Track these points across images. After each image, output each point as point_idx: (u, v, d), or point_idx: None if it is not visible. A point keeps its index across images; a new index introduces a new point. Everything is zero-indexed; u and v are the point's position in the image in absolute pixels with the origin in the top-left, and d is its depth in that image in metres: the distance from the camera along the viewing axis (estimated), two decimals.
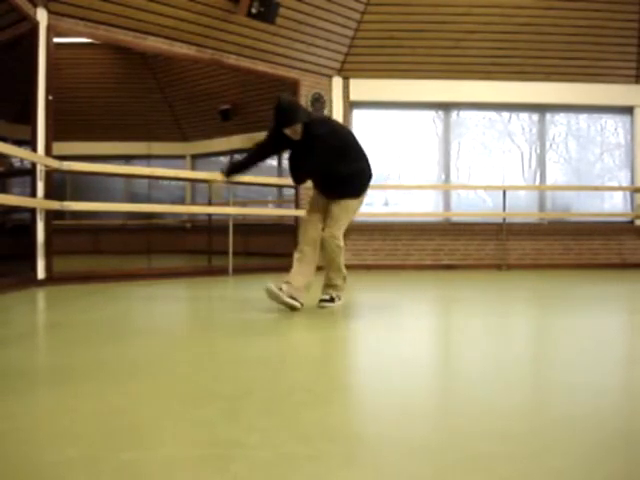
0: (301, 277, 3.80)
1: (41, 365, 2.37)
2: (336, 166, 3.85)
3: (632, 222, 8.26)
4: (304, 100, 7.56)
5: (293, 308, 3.70)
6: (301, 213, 7.48)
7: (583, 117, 8.50)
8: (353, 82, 7.89)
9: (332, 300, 4.00)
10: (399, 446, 1.40)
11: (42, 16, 5.37)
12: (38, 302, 4.55)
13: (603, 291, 5.42)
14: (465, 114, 8.37)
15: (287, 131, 3.72)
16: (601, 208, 8.49)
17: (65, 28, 5.59)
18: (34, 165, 5.29)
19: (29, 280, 5.21)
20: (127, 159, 11.15)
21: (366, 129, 8.17)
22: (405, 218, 7.99)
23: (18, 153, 5.03)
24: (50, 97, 5.42)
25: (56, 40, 5.55)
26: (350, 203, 3.96)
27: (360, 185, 4.00)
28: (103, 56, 10.06)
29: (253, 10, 6.24)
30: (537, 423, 1.59)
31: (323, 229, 3.92)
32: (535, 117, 8.40)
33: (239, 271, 6.71)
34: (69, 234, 8.44)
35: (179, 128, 11.41)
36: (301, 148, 3.78)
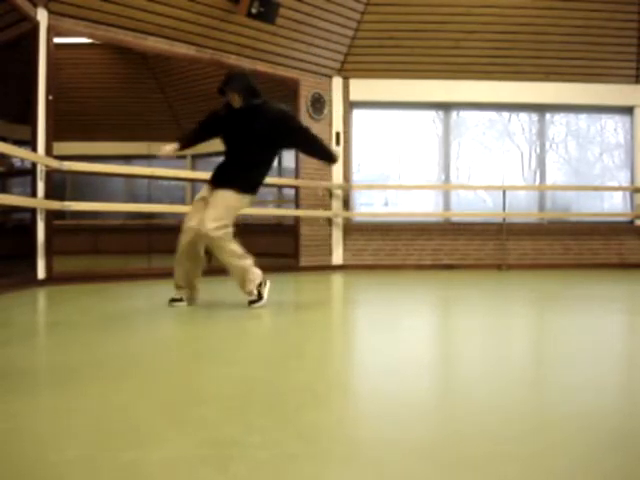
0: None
1: (41, 365, 2.37)
2: (250, 153, 3.89)
3: (632, 222, 8.26)
4: (304, 100, 7.56)
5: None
6: (301, 213, 7.49)
7: (583, 117, 8.51)
8: (353, 82, 7.90)
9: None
10: (399, 446, 1.41)
11: (42, 16, 5.37)
12: (38, 302, 4.55)
13: (603, 291, 5.42)
14: (465, 114, 8.37)
15: (227, 96, 3.82)
16: (601, 208, 8.49)
17: (65, 28, 5.59)
18: (34, 165, 5.29)
19: (29, 280, 5.21)
20: (127, 159, 11.15)
21: (366, 129, 8.18)
22: (405, 218, 7.99)
23: (18, 153, 5.03)
24: (50, 97, 5.42)
25: (56, 40, 5.54)
26: (232, 196, 3.84)
27: (253, 184, 3.94)
28: (103, 56, 10.07)
29: (253, 10, 6.24)
30: (537, 423, 1.60)
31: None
32: (535, 117, 8.40)
33: None
34: (69, 234, 8.44)
35: (179, 128, 11.41)
36: (237, 120, 3.86)
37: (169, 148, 3.96)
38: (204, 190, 4.01)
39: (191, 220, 3.89)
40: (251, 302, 3.85)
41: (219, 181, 3.92)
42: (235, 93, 3.80)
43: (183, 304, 3.99)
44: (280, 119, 3.91)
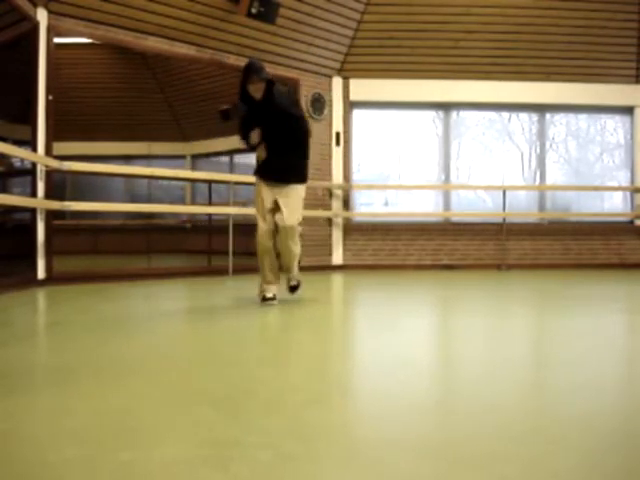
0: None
1: (41, 365, 2.37)
2: (289, 139, 4.00)
3: (632, 222, 8.26)
4: (304, 100, 7.56)
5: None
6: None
7: (583, 117, 8.51)
8: (353, 82, 7.90)
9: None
10: (399, 446, 1.41)
11: (42, 16, 5.37)
12: (38, 302, 4.55)
13: (603, 291, 5.42)
14: (465, 114, 8.37)
15: (250, 87, 3.87)
16: (601, 208, 8.49)
17: (65, 28, 5.59)
18: (34, 165, 5.29)
19: (29, 280, 5.21)
20: (127, 159, 11.15)
21: (366, 129, 8.17)
22: (405, 218, 7.99)
23: (18, 153, 5.03)
24: (50, 97, 5.42)
25: (56, 40, 5.55)
26: (302, 188, 4.14)
27: (307, 172, 4.23)
28: (103, 56, 10.06)
29: (253, 10, 6.24)
30: (537, 423, 1.60)
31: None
32: (535, 117, 8.40)
33: (239, 271, 6.71)
34: (69, 234, 8.43)
35: (179, 128, 11.41)
36: (261, 111, 3.93)
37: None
38: (264, 189, 4.05)
39: (265, 221, 4.02)
40: (293, 288, 4.20)
41: (282, 178, 4.04)
42: (264, 82, 3.87)
43: (275, 302, 4.06)
44: (290, 98, 4.11)
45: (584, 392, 1.89)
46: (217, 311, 3.94)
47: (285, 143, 4.00)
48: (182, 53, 6.57)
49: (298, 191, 4.07)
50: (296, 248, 4.06)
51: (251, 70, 3.86)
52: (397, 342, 2.85)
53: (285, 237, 3.96)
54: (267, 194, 4.02)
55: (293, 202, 4.01)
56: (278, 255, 4.09)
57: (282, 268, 4.17)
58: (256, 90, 3.87)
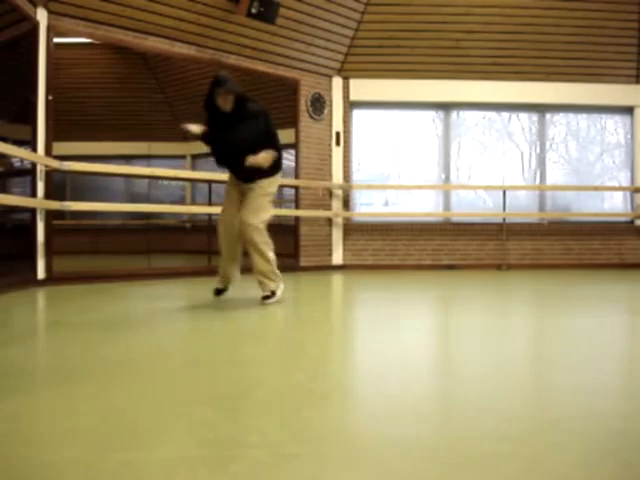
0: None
1: (41, 365, 2.37)
2: (261, 147, 4.00)
3: (632, 222, 8.26)
4: (304, 100, 7.56)
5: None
6: (301, 213, 7.49)
7: (583, 117, 8.51)
8: (353, 82, 7.90)
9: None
10: (399, 446, 1.40)
11: (42, 16, 5.37)
12: (38, 302, 4.55)
13: (603, 291, 5.42)
14: (465, 114, 8.37)
15: (219, 100, 3.95)
16: (601, 208, 8.49)
17: (65, 28, 5.59)
18: (34, 165, 5.29)
19: (29, 280, 5.21)
20: (127, 159, 11.15)
21: (366, 129, 8.18)
22: (405, 218, 7.99)
23: (18, 153, 5.02)
24: (50, 97, 5.42)
25: (56, 40, 5.55)
26: (267, 182, 4.13)
27: (276, 165, 4.16)
28: (103, 56, 10.06)
29: (253, 10, 6.24)
30: (537, 423, 1.60)
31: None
32: (535, 117, 8.40)
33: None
34: (69, 234, 8.43)
35: (179, 128, 11.40)
36: (229, 122, 4.00)
37: (196, 128, 4.13)
38: (231, 184, 4.25)
39: (225, 213, 4.18)
40: (265, 297, 4.09)
41: (248, 179, 4.14)
42: (232, 95, 3.95)
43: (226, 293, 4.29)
44: (264, 115, 4.10)
45: (584, 392, 1.89)
46: (217, 311, 3.93)
47: (245, 155, 3.98)
48: (182, 53, 6.57)
49: (263, 188, 4.09)
50: (265, 248, 4.07)
51: (216, 83, 3.95)
52: (398, 342, 2.84)
53: (246, 236, 4.03)
54: (234, 192, 4.20)
55: (255, 201, 4.06)
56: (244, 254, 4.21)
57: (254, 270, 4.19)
58: (225, 102, 3.95)
